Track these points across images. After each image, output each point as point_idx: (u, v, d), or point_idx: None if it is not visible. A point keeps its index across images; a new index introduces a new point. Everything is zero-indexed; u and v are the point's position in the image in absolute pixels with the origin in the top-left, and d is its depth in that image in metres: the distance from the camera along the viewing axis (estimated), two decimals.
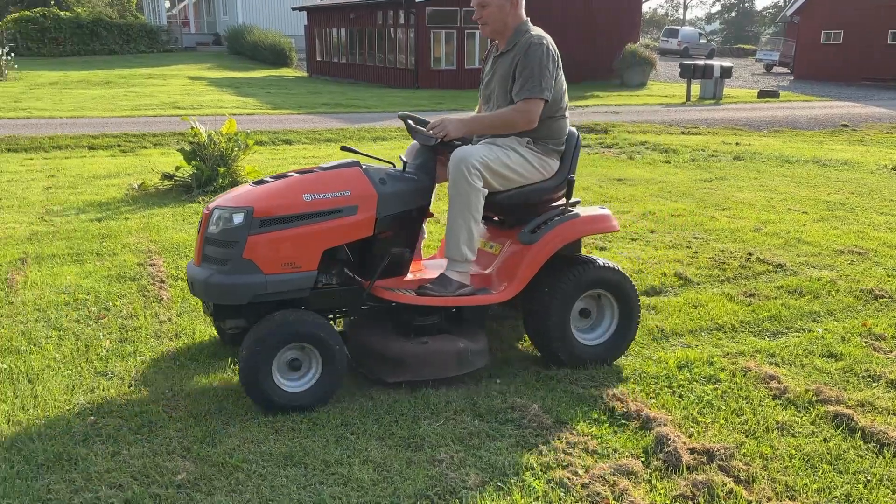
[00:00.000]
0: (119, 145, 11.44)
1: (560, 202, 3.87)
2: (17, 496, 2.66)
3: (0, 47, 25.85)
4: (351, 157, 3.66)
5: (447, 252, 3.65)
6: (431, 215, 3.84)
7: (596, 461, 2.97)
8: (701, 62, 23.41)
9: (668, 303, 4.79)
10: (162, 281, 5.00)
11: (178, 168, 8.25)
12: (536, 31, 3.71)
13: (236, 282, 3.23)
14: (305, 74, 31.88)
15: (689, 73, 21.95)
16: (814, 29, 33.26)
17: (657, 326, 4.38)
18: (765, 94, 23.65)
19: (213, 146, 7.97)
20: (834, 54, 32.49)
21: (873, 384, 3.68)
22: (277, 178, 3.55)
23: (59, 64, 29.90)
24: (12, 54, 25.32)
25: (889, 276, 5.39)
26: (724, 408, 3.42)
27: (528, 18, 3.75)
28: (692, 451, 3.02)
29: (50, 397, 3.40)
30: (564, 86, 3.78)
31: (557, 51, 3.70)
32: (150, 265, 5.35)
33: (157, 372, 3.68)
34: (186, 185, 7.92)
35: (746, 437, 3.17)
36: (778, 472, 2.92)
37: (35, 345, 3.96)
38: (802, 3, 34.14)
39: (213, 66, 31.40)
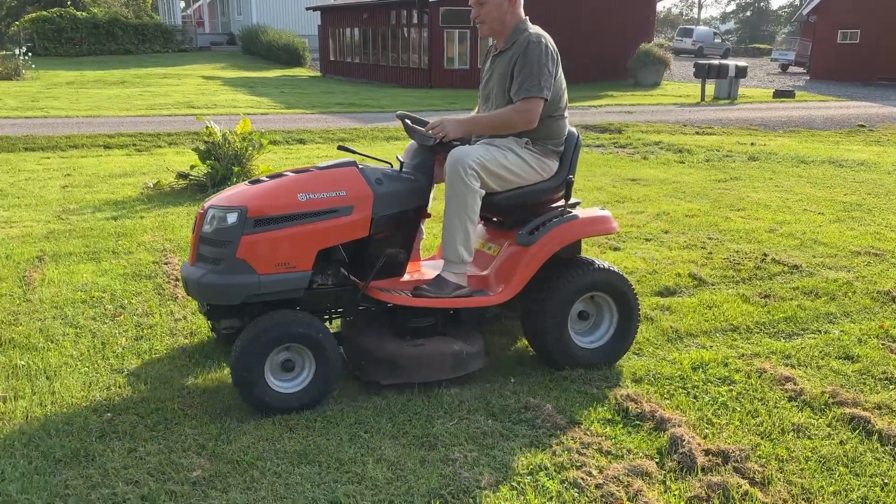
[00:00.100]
0: (134, 144, 11.52)
1: (559, 203, 3.81)
2: (35, 491, 2.69)
3: (17, 47, 26.13)
4: (348, 157, 3.63)
5: (443, 253, 3.60)
6: (429, 216, 3.82)
7: (610, 462, 2.96)
8: (716, 62, 23.26)
9: (683, 303, 4.77)
10: (177, 279, 5.03)
11: (192, 167, 8.30)
12: (535, 29, 3.65)
13: (229, 282, 3.20)
14: (319, 74, 31.98)
15: (703, 73, 21.82)
16: (830, 28, 32.98)
17: (671, 327, 4.37)
18: (780, 94, 23.49)
19: (227, 145, 8.02)
20: (850, 54, 32.21)
21: (890, 386, 3.65)
22: (273, 177, 3.52)
23: (76, 64, 30.16)
24: (30, 54, 25.59)
25: None
26: (739, 409, 3.40)
27: (528, 17, 3.70)
28: (707, 452, 3.00)
29: (67, 394, 3.43)
30: (564, 85, 3.72)
31: (557, 49, 3.64)
32: (166, 263, 5.39)
33: (173, 369, 3.70)
34: (201, 185, 7.96)
35: (762, 438, 3.15)
36: (794, 474, 2.90)
37: (52, 342, 4.00)
38: (819, 2, 33.86)
39: (227, 66, 31.56)
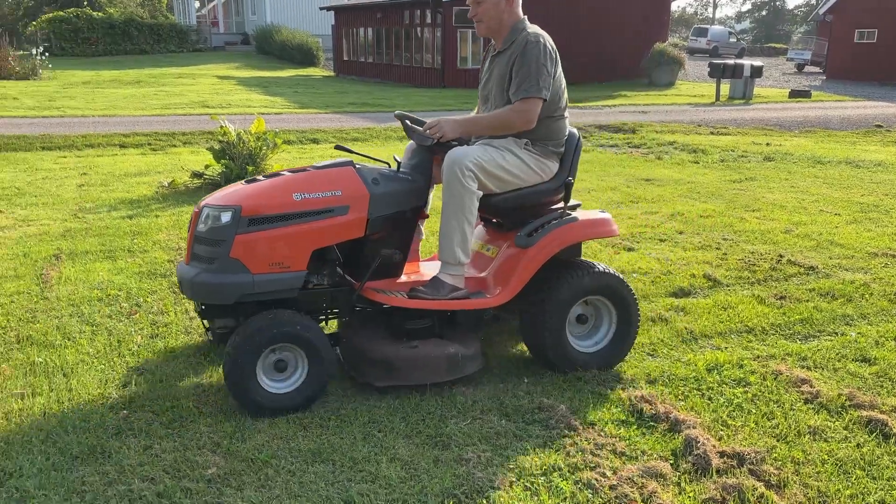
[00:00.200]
0: (149, 144, 11.60)
1: (560, 205, 3.76)
2: (52, 487, 2.71)
3: (35, 47, 26.38)
4: (345, 157, 3.60)
5: (440, 255, 3.56)
6: (427, 216, 3.80)
7: (624, 463, 2.95)
8: (731, 61, 23.11)
9: (697, 304, 4.74)
10: None
11: (207, 166, 8.35)
12: (533, 28, 3.59)
13: (223, 281, 3.18)
14: (332, 74, 32.06)
15: (718, 73, 21.69)
16: (847, 27, 32.70)
17: (686, 328, 4.34)
18: (796, 94, 23.32)
19: (242, 145, 8.06)
20: (867, 53, 31.91)
21: None
22: (269, 176, 3.50)
23: (92, 63, 30.40)
24: (46, 54, 25.81)
25: None
26: (754, 411, 3.38)
27: (526, 16, 3.64)
28: (722, 454, 2.98)
29: (84, 391, 3.46)
30: (564, 85, 3.67)
31: (556, 49, 3.59)
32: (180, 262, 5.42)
33: (188, 367, 3.72)
34: (216, 184, 8.00)
35: (778, 441, 3.13)
36: (810, 477, 2.88)
37: (69, 339, 4.04)
38: (835, 1, 33.57)
39: (241, 66, 31.71)
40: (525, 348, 3.96)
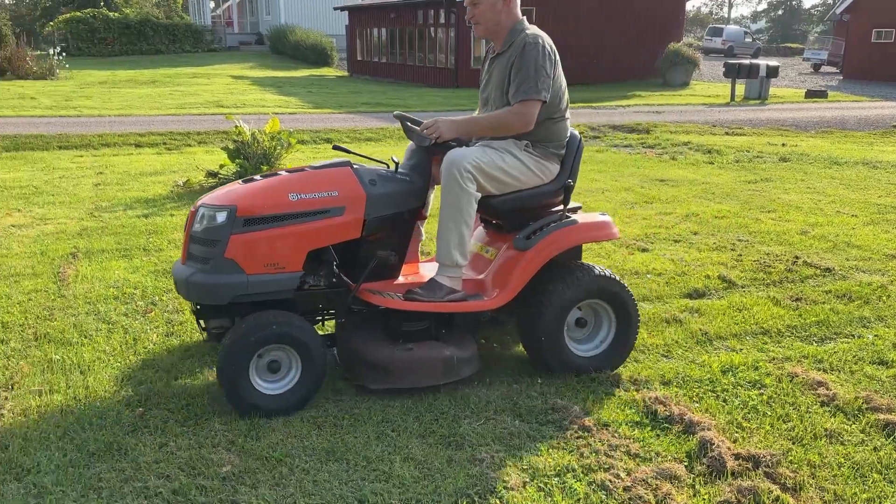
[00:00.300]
0: (165, 143, 11.68)
1: (560, 207, 3.71)
2: (69, 483, 2.74)
3: (52, 47, 26.64)
4: (343, 157, 3.58)
5: (437, 257, 3.52)
6: (426, 217, 3.76)
7: (638, 464, 2.94)
8: (746, 61, 22.97)
9: (712, 306, 4.72)
10: None
11: (222, 166, 8.40)
12: (532, 29, 3.54)
13: (217, 281, 3.17)
14: (346, 74, 32.15)
15: (733, 73, 21.56)
16: (864, 27, 32.39)
17: (701, 329, 4.32)
18: (812, 94, 23.13)
19: (256, 145, 8.10)
20: (885, 53, 31.59)
21: None
22: (266, 176, 3.49)
23: (108, 63, 30.65)
24: (63, 54, 26.07)
25: None
26: (769, 413, 3.35)
27: (525, 17, 3.60)
28: (737, 456, 2.97)
29: (100, 388, 3.49)
30: (564, 86, 3.63)
31: (555, 50, 3.55)
32: None
33: (203, 366, 3.75)
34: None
35: (793, 443, 3.11)
36: (826, 480, 2.86)
37: (86, 337, 4.07)
38: (853, 0, 33.27)
39: (255, 66, 31.86)
40: None
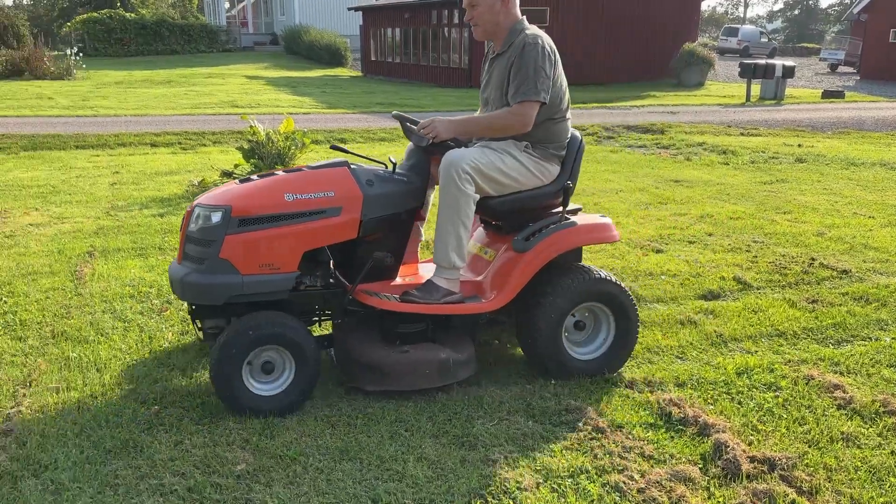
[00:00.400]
0: (180, 143, 11.76)
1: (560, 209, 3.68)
2: (86, 480, 2.77)
3: (69, 48, 26.89)
4: (341, 157, 3.56)
5: (435, 258, 3.50)
6: (424, 218, 3.74)
7: (652, 466, 2.93)
8: (762, 61, 22.79)
9: (727, 307, 4.69)
10: None
11: (236, 166, 8.44)
12: (532, 30, 3.51)
13: (212, 281, 3.16)
14: (360, 74, 32.22)
15: (749, 73, 21.40)
16: (882, 27, 32.06)
17: (715, 331, 4.30)
18: (829, 95, 22.93)
19: (270, 144, 8.14)
20: None
21: None
22: (263, 176, 3.48)
23: (124, 64, 30.90)
24: (80, 54, 26.29)
25: None
26: (785, 416, 3.33)
27: (524, 17, 3.57)
28: (752, 459, 2.95)
29: (116, 386, 3.52)
30: (565, 86, 3.60)
31: (556, 50, 3.52)
32: None
33: None
34: None
35: (809, 447, 3.08)
36: (843, 483, 2.83)
37: (103, 335, 4.11)
38: (870, 0, 32.95)
39: (270, 66, 32.00)
40: None
